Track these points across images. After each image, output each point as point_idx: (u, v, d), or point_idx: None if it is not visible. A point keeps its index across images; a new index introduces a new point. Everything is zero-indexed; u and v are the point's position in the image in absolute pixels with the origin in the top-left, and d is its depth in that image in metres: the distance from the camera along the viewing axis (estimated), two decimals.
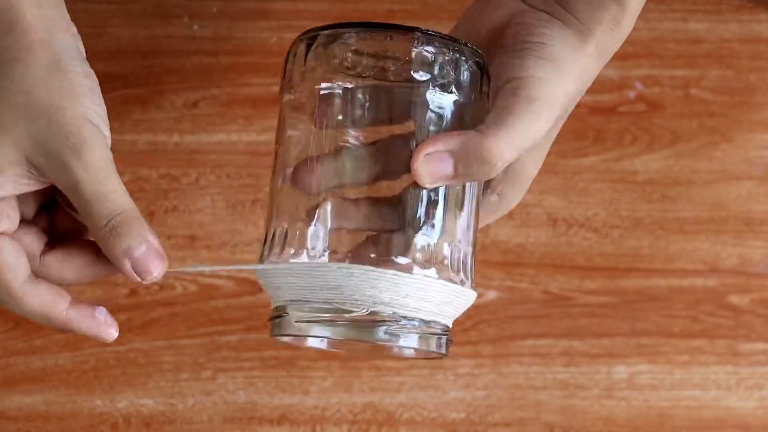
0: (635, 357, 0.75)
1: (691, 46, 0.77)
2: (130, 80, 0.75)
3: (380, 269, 0.50)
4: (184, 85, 0.75)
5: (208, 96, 0.75)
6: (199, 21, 0.76)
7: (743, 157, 0.76)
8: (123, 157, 0.75)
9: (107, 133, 0.50)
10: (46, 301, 0.50)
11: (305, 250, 0.52)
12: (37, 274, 0.51)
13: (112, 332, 0.52)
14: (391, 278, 0.50)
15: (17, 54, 0.49)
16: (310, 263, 0.51)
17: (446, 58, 0.52)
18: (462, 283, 0.53)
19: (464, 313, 0.75)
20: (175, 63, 0.76)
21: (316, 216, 0.52)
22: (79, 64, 0.51)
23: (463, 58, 0.52)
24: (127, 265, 0.50)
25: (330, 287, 0.50)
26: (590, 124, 0.76)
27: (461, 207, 0.53)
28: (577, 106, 0.77)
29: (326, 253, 0.52)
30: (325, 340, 0.54)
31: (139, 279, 0.51)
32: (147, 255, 0.50)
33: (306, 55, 0.53)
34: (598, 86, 0.76)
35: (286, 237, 0.53)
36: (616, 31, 0.53)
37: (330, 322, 0.50)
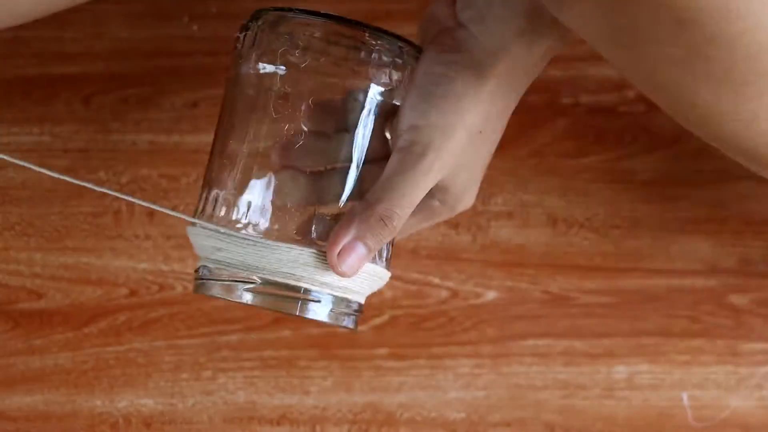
0: (635, 357, 0.75)
1: None
2: (130, 80, 0.75)
3: (298, 247, 0.54)
4: (184, 86, 0.75)
5: (208, 96, 0.75)
6: (199, 21, 0.76)
7: None
8: (123, 156, 0.75)
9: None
10: None
11: (238, 215, 0.56)
12: None
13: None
14: (309, 255, 0.54)
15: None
16: (239, 234, 0.54)
17: (384, 57, 0.55)
18: (375, 263, 0.56)
19: (464, 313, 0.75)
20: (175, 63, 0.76)
21: (255, 185, 0.55)
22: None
23: (399, 58, 0.55)
24: None
25: (252, 255, 0.54)
26: (590, 124, 0.76)
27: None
28: (577, 105, 0.78)
29: (256, 221, 0.55)
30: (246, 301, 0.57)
31: None
32: None
33: (262, 32, 0.56)
34: (598, 86, 0.76)
35: (220, 201, 0.56)
36: (531, 49, 0.54)
37: (251, 290, 0.55)
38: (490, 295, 0.76)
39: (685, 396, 0.75)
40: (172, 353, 0.75)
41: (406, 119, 0.54)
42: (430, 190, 0.57)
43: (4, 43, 0.75)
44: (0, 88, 0.75)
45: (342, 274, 0.54)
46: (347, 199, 0.56)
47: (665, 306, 0.76)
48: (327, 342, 0.75)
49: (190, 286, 0.75)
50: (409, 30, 0.75)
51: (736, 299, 0.76)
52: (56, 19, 0.75)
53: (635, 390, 0.75)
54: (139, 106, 0.75)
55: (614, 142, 0.76)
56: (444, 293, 0.75)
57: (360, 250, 0.53)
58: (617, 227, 0.76)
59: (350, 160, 0.55)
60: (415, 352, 0.75)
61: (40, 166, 0.75)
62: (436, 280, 0.75)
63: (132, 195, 0.75)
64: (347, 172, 0.56)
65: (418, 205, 0.58)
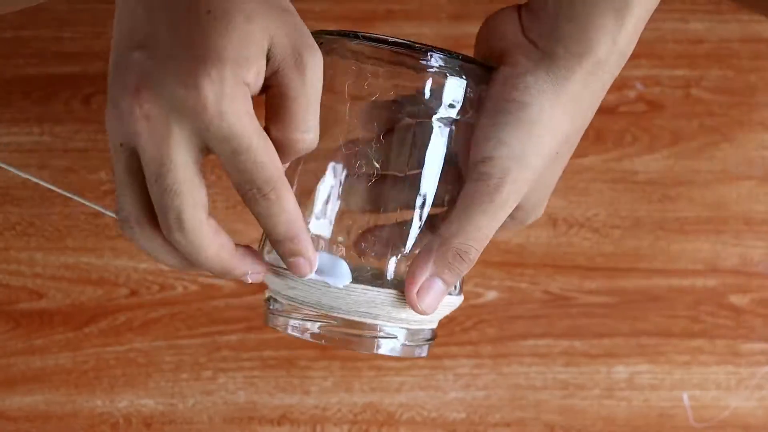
0: (635, 357, 0.75)
1: (692, 46, 0.77)
2: None
3: (373, 288, 0.52)
4: None
5: None
6: None
7: (743, 157, 0.76)
8: None
9: None
10: (222, 237, 0.50)
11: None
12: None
13: (260, 275, 0.52)
14: (386, 296, 0.52)
15: None
16: (314, 283, 0.53)
17: (454, 80, 0.53)
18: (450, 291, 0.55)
19: (464, 313, 0.75)
20: None
21: (322, 207, 0.53)
22: None
23: (469, 79, 0.53)
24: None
25: (328, 299, 0.52)
26: (590, 124, 0.76)
27: None
28: None
29: (326, 245, 0.53)
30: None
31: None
32: None
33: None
34: None
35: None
36: (612, 51, 0.53)
37: (326, 329, 0.53)
38: (490, 295, 0.76)
39: (685, 396, 0.75)
40: (172, 353, 0.75)
41: (479, 150, 0.52)
42: None
43: (4, 42, 0.75)
44: None
45: (421, 313, 0.52)
46: (420, 227, 0.54)
47: (665, 306, 0.76)
48: None
49: (191, 287, 0.75)
50: (409, 30, 0.76)
51: (736, 299, 0.76)
52: (56, 19, 0.75)
53: (635, 390, 0.75)
54: None
55: (614, 142, 0.76)
56: None
57: (438, 287, 0.52)
58: (617, 227, 0.76)
59: (419, 183, 0.54)
60: None
61: (41, 166, 0.75)
62: None
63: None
64: (415, 179, 0.53)
65: None
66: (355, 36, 0.52)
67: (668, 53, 0.77)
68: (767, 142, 0.77)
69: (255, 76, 0.47)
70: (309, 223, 0.53)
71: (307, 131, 0.49)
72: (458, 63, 0.52)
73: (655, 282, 0.76)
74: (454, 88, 0.53)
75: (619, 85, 0.76)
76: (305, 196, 0.54)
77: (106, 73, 0.77)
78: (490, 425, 0.75)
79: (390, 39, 0.52)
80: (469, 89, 0.53)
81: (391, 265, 0.53)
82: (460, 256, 0.52)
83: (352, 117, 0.53)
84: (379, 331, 0.53)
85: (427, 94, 0.52)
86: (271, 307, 0.55)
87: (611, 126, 0.76)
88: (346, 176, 0.54)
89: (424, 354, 0.55)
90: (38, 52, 0.75)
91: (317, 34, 0.53)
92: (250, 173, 0.48)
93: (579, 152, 0.76)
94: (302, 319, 0.53)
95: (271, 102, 0.49)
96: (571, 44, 0.52)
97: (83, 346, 0.75)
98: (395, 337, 0.53)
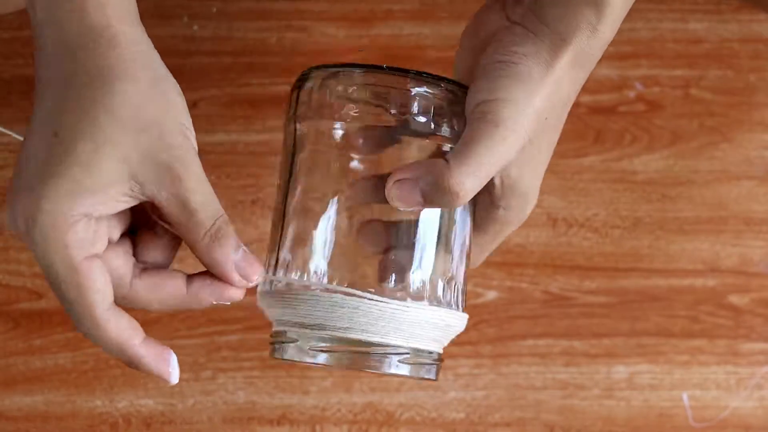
0: (635, 357, 0.75)
1: (691, 46, 0.77)
2: None
3: (375, 298, 0.52)
4: (184, 85, 0.75)
5: (208, 96, 0.75)
6: (199, 21, 0.76)
7: (743, 157, 0.76)
8: None
9: (195, 143, 0.52)
10: (124, 332, 0.49)
11: (306, 275, 0.53)
12: (122, 299, 0.50)
13: (175, 376, 0.52)
14: (388, 309, 0.52)
15: (123, 70, 0.49)
16: (306, 292, 0.53)
17: (437, 101, 0.53)
18: (453, 308, 0.55)
19: None
20: (175, 63, 0.75)
21: (319, 238, 0.53)
22: (169, 76, 0.52)
23: (455, 100, 0.54)
24: (233, 270, 0.51)
25: (325, 316, 0.52)
26: (590, 124, 0.76)
27: (453, 237, 0.55)
28: (577, 106, 0.77)
29: (325, 278, 0.53)
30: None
31: (243, 284, 0.51)
32: (247, 258, 0.51)
33: (317, 91, 0.54)
34: (598, 86, 0.76)
35: (289, 263, 0.54)
36: (593, 38, 0.53)
37: (327, 351, 0.53)
38: (490, 295, 0.76)
39: (685, 396, 0.75)
40: None
41: (473, 99, 0.53)
42: (493, 198, 0.56)
43: (4, 42, 0.75)
44: None
45: (389, 199, 0.52)
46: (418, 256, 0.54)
47: (665, 306, 0.76)
48: None
49: None
50: (409, 30, 0.76)
51: (736, 299, 0.76)
52: None
53: (635, 390, 0.75)
54: None
55: (614, 142, 0.76)
56: None
57: (415, 196, 0.52)
58: (617, 227, 0.76)
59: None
60: None
61: None
62: None
63: None
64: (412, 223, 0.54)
65: (484, 221, 0.57)
66: (342, 66, 0.53)
67: (668, 53, 0.77)
68: (767, 142, 0.77)
69: (102, 204, 0.48)
70: (309, 260, 0.54)
71: (208, 232, 0.50)
72: (443, 84, 0.54)
73: (655, 282, 0.76)
74: (440, 110, 0.53)
75: (618, 85, 0.76)
76: (306, 232, 0.54)
77: None
78: (489, 425, 0.75)
79: (372, 66, 0.53)
80: (454, 110, 0.54)
81: (389, 271, 0.54)
82: (452, 188, 0.52)
83: (346, 150, 0.54)
84: (382, 348, 0.53)
85: (416, 117, 0.53)
86: (274, 337, 0.55)
87: (611, 126, 0.76)
88: (345, 215, 0.54)
89: (432, 376, 0.55)
90: None
91: (309, 70, 0.54)
92: (64, 303, 0.49)
93: (579, 152, 0.76)
94: (310, 348, 0.53)
95: (166, 220, 0.50)
96: (554, 23, 0.53)
97: (83, 346, 0.75)
98: (398, 355, 0.53)
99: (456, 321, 0.55)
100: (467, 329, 0.76)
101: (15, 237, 0.74)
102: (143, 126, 0.49)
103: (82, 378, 0.75)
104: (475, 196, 0.53)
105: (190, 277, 0.51)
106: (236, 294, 0.52)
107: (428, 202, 0.52)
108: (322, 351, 0.53)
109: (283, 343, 0.54)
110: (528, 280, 0.76)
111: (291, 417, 0.75)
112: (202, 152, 0.75)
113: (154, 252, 0.52)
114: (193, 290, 0.51)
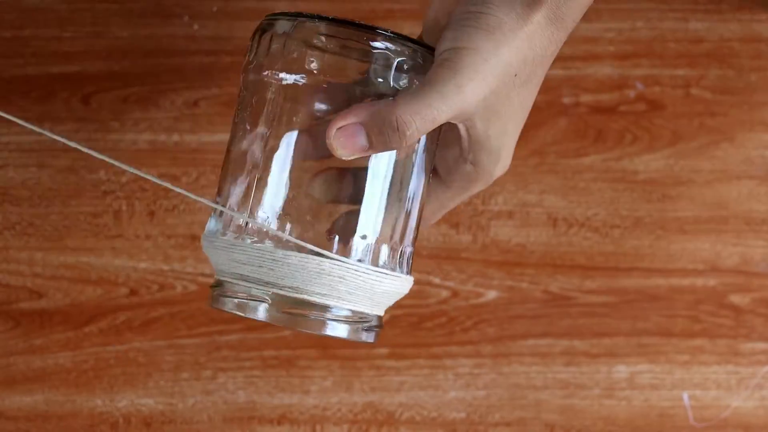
0: (636, 357, 0.75)
1: (692, 46, 0.77)
2: (130, 79, 0.75)
3: (314, 256, 0.51)
4: (185, 85, 0.75)
5: (209, 95, 0.75)
6: (200, 20, 0.76)
7: (744, 157, 0.76)
8: (123, 156, 0.75)
9: None
10: None
11: (252, 224, 0.53)
12: None
13: None
14: (323, 265, 0.51)
15: None
16: (252, 245, 0.52)
17: (400, 58, 0.53)
18: (398, 271, 0.54)
19: (464, 313, 0.75)
20: (176, 62, 0.76)
21: (270, 187, 0.53)
22: None
23: (420, 59, 0.53)
24: None
25: (267, 269, 0.51)
26: (590, 123, 0.76)
27: (406, 197, 0.54)
28: (577, 105, 0.78)
29: (273, 227, 0.53)
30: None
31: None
32: None
33: (274, 40, 0.54)
34: (598, 85, 0.76)
35: (236, 211, 0.54)
36: None
37: (266, 306, 0.52)
38: (491, 294, 0.76)
39: (685, 396, 0.75)
40: (172, 353, 0.75)
41: (440, 47, 0.52)
42: (462, 151, 0.54)
43: (4, 42, 0.75)
44: None
45: (329, 148, 0.51)
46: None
47: (665, 306, 0.76)
48: (327, 342, 0.75)
49: (191, 286, 0.75)
50: (409, 30, 0.76)
51: (737, 299, 0.76)
52: (56, 18, 0.75)
53: (635, 390, 0.75)
54: (139, 105, 0.75)
55: (614, 142, 0.76)
56: (444, 293, 0.75)
57: (360, 140, 0.51)
58: (617, 227, 0.76)
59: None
60: (415, 352, 0.75)
61: (41, 166, 0.75)
62: (437, 280, 0.75)
63: (133, 194, 0.75)
64: (359, 179, 0.53)
65: (450, 174, 0.55)
66: (309, 17, 0.53)
67: (668, 52, 0.77)
68: (767, 141, 0.77)
69: None
70: (258, 209, 0.53)
71: None
72: (408, 43, 0.53)
73: (656, 282, 0.76)
74: (402, 67, 0.53)
75: (619, 84, 0.76)
76: (256, 181, 0.53)
77: (105, 72, 0.78)
78: (490, 425, 0.75)
79: (340, 19, 0.52)
80: (418, 70, 0.53)
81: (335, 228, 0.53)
82: (399, 127, 0.51)
83: (308, 98, 0.53)
84: (320, 308, 0.52)
85: (377, 73, 0.52)
86: (215, 287, 0.54)
87: (611, 125, 0.76)
88: (300, 158, 0.53)
89: (371, 340, 0.54)
90: (38, 52, 0.75)
91: (273, 16, 0.53)
92: None
93: (579, 152, 0.76)
94: (248, 299, 0.53)
95: None
96: None
97: (83, 346, 0.75)
98: (337, 317, 0.52)
99: (399, 285, 0.54)
100: (467, 329, 0.76)
101: (15, 236, 0.74)
102: None
103: (82, 378, 0.75)
104: (442, 151, 0.52)
105: None
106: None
107: (375, 145, 0.51)
108: (260, 305, 0.52)
109: (224, 295, 0.53)
110: (528, 280, 0.76)
111: (291, 417, 0.75)
112: (202, 152, 0.75)
113: None
114: None
